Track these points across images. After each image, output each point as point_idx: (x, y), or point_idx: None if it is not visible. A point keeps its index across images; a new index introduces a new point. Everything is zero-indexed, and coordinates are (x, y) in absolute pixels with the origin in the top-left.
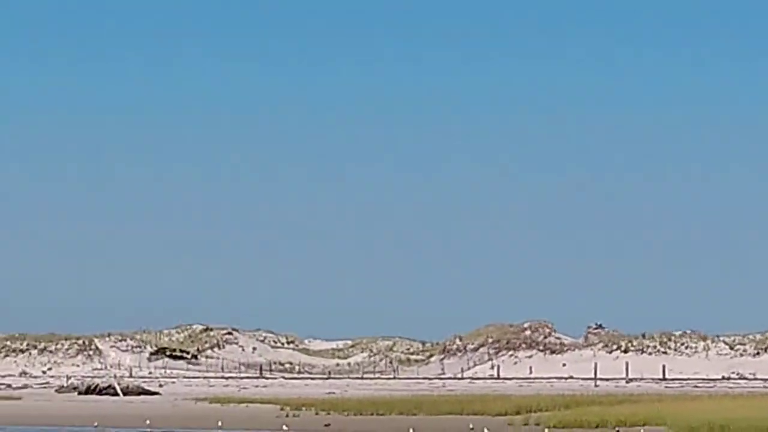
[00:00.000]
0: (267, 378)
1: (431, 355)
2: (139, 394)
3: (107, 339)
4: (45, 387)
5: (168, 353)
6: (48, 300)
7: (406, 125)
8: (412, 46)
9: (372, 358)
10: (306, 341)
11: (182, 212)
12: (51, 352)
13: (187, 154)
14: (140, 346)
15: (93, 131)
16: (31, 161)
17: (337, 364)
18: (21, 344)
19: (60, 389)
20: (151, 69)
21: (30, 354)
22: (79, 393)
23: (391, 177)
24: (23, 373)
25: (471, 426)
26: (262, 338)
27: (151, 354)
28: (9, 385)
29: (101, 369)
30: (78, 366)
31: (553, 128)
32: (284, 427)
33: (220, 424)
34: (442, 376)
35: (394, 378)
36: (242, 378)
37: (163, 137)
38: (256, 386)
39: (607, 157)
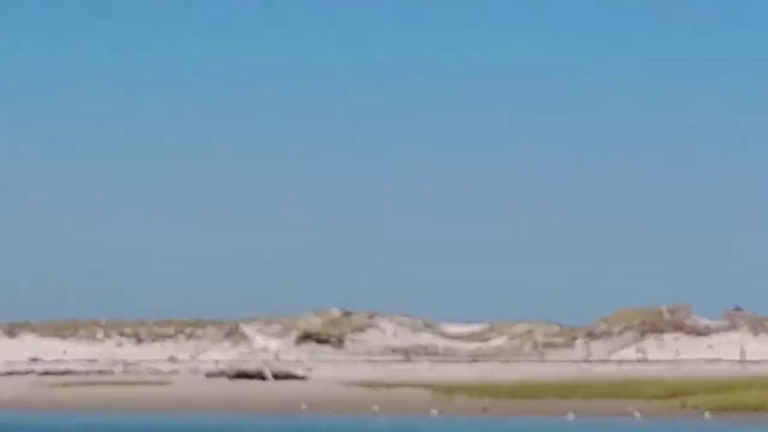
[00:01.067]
0: (413, 362)
1: (574, 339)
2: (288, 378)
3: (253, 324)
4: (194, 372)
5: (314, 338)
6: (194, 285)
7: None
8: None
9: (512, 342)
10: (442, 325)
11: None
12: (198, 337)
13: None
14: (286, 331)
15: None
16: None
17: (479, 348)
18: (169, 330)
19: (209, 374)
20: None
21: (177, 339)
22: (229, 378)
23: (538, 158)
24: (171, 359)
25: (630, 409)
26: (401, 322)
27: (298, 338)
28: (158, 370)
29: (248, 354)
30: (224, 351)
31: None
32: (433, 411)
33: (376, 408)
34: (590, 359)
35: (541, 362)
36: (389, 362)
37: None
38: (404, 370)
39: (746, 130)
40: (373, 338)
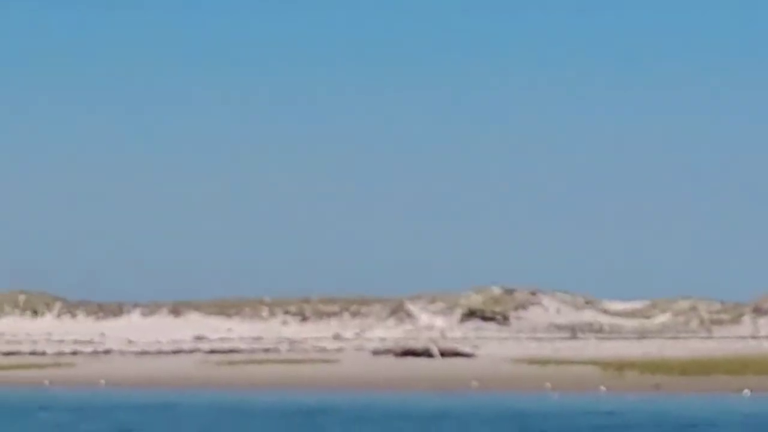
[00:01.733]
0: (579, 339)
1: (741, 315)
2: (455, 356)
3: (418, 302)
4: (359, 350)
5: (479, 315)
6: (358, 263)
7: None
8: None
9: (676, 319)
10: (603, 302)
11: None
12: (363, 315)
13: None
14: (450, 309)
15: None
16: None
17: (642, 325)
18: (333, 308)
19: (376, 352)
20: None
21: (342, 317)
22: (395, 356)
23: (694, 136)
24: (336, 336)
25: None
26: (563, 299)
27: (463, 316)
28: (324, 348)
29: (413, 331)
30: (389, 329)
31: None
32: (602, 388)
33: (549, 385)
34: (758, 336)
35: (709, 338)
36: (554, 339)
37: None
38: (570, 347)
39: None
40: (535, 315)
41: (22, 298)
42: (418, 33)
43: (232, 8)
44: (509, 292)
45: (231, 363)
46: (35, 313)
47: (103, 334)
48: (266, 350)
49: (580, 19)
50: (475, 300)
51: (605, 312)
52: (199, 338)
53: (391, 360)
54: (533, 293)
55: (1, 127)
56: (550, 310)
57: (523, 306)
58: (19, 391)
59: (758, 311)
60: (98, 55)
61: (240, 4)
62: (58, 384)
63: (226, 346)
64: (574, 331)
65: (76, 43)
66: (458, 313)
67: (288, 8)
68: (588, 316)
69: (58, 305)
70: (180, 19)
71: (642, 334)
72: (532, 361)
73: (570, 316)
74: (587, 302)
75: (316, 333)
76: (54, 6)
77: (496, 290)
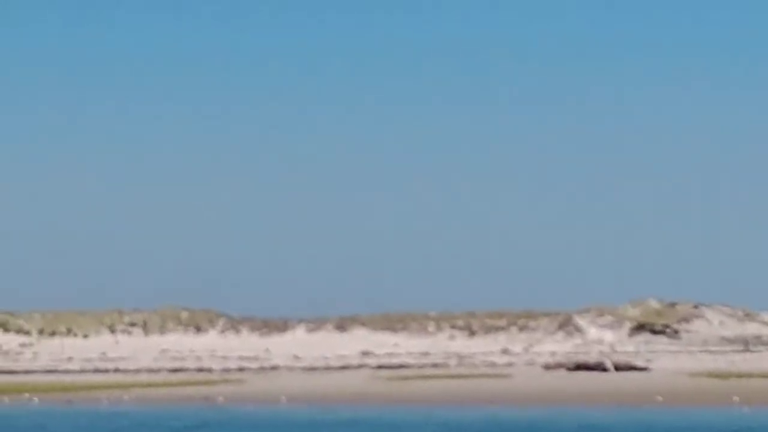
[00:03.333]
0: (752, 352)
1: None
2: (629, 369)
3: (586, 315)
4: (530, 364)
5: (648, 328)
6: (524, 276)
7: None
8: None
9: None
10: (761, 314)
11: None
12: (531, 329)
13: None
14: (618, 322)
15: None
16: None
17: None
18: (501, 322)
19: (547, 366)
20: None
21: (509, 331)
22: (568, 370)
23: None
24: (505, 351)
25: None
26: (725, 312)
27: (631, 329)
28: (493, 363)
29: (582, 345)
30: (558, 343)
31: None
32: (734, 398)
33: (736, 399)
34: None
35: None
36: (727, 352)
37: None
38: (745, 360)
39: None
40: (701, 328)
41: (185, 314)
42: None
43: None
44: (671, 305)
45: (401, 378)
46: (198, 329)
47: (268, 350)
48: (435, 365)
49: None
50: (634, 313)
51: (766, 324)
52: (365, 353)
53: (563, 374)
54: (696, 306)
55: (162, 150)
56: (714, 323)
57: (686, 319)
58: (198, 407)
59: None
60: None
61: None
62: (231, 400)
63: (394, 361)
64: (746, 343)
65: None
66: (627, 326)
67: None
68: (752, 328)
69: (221, 321)
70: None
71: None
72: (711, 375)
73: (734, 329)
74: (746, 315)
75: (484, 348)
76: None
77: (654, 303)
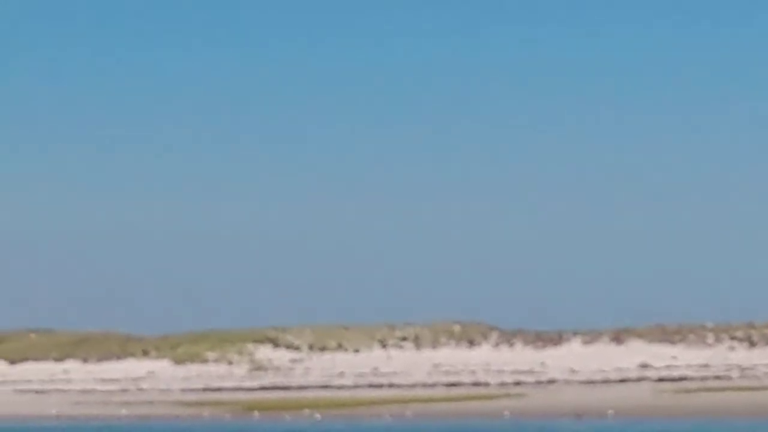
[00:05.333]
0: None
1: None
2: None
3: None
4: None
5: None
6: None
7: None
8: None
9: None
10: None
11: None
12: None
13: None
14: None
15: None
16: None
17: None
18: None
19: None
20: None
21: None
22: None
23: None
24: None
25: None
26: None
27: None
28: None
29: None
30: None
31: None
32: None
33: None
34: None
35: None
36: None
37: None
38: None
39: None
40: None
41: (457, 328)
42: None
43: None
44: None
45: (684, 391)
46: (471, 343)
47: (543, 364)
48: (716, 377)
49: None
50: None
51: None
52: (644, 366)
53: None
54: None
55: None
56: None
57: None
58: (486, 422)
59: None
60: None
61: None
62: (515, 415)
63: (674, 374)
64: None
65: None
66: None
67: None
68: None
69: (494, 335)
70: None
71: None
72: None
73: None
74: None
75: (766, 359)
76: None
77: None
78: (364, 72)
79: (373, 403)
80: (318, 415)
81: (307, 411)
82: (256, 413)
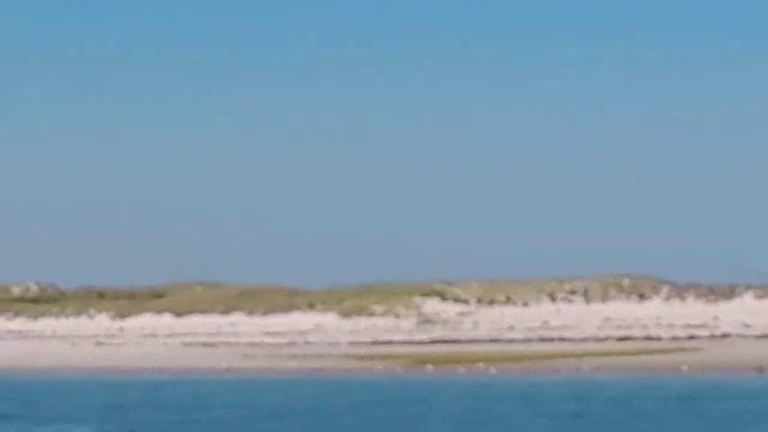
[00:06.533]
0: None
1: None
2: None
3: None
4: None
5: None
6: None
7: None
8: None
9: None
10: None
11: None
12: None
13: None
14: None
15: None
16: None
17: None
18: None
19: None
20: None
21: None
22: None
23: None
24: None
25: None
26: None
27: None
28: None
29: None
30: None
31: None
32: None
33: None
34: None
35: None
36: None
37: None
38: None
39: None
40: None
41: (626, 281)
42: None
43: None
44: None
45: None
46: (642, 297)
47: (716, 318)
48: None
49: None
50: None
51: None
52: None
53: None
54: None
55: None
56: None
57: None
58: (665, 376)
59: None
60: None
61: None
62: (693, 369)
63: None
64: None
65: None
66: None
67: None
68: None
69: (665, 288)
70: None
71: None
72: None
73: None
74: None
75: None
76: None
77: None
78: None
79: (546, 357)
80: (493, 369)
81: (481, 365)
82: (429, 366)
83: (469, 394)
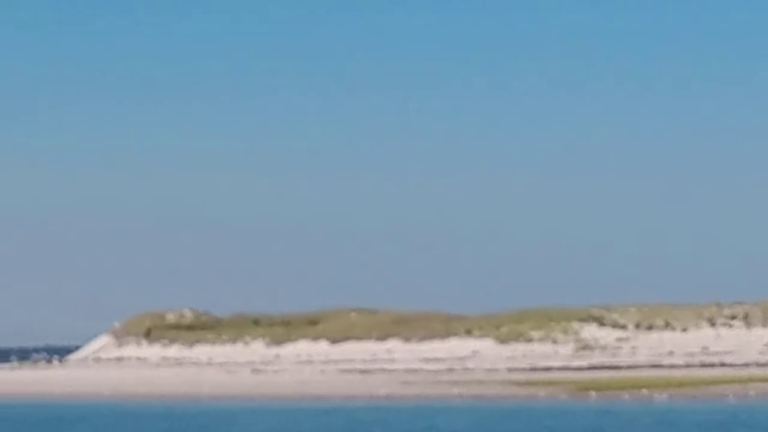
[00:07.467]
0: None
1: None
2: None
3: None
4: None
5: None
6: None
7: None
8: None
9: None
10: None
11: None
12: None
13: None
14: None
15: None
16: None
17: None
18: None
19: None
20: None
21: None
22: None
23: None
24: None
25: None
26: None
27: None
28: None
29: None
30: None
31: None
32: None
33: None
34: None
35: None
36: None
37: None
38: None
39: None
40: None
41: None
42: None
43: None
44: None
45: None
46: None
47: None
48: None
49: None
50: None
51: None
52: None
53: None
54: None
55: None
56: None
57: None
58: None
59: None
60: None
61: None
62: None
63: None
64: None
65: None
66: None
67: None
68: None
69: None
70: None
71: None
72: None
73: None
74: None
75: None
76: None
77: None
78: None
79: (711, 383)
80: (660, 395)
81: (644, 391)
82: (592, 393)
83: (660, 420)
